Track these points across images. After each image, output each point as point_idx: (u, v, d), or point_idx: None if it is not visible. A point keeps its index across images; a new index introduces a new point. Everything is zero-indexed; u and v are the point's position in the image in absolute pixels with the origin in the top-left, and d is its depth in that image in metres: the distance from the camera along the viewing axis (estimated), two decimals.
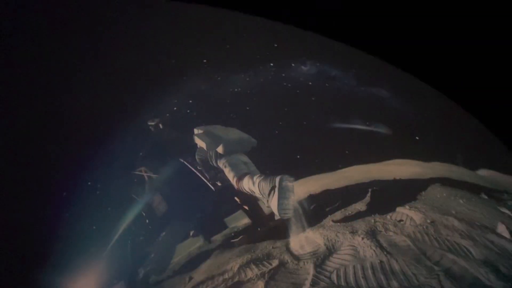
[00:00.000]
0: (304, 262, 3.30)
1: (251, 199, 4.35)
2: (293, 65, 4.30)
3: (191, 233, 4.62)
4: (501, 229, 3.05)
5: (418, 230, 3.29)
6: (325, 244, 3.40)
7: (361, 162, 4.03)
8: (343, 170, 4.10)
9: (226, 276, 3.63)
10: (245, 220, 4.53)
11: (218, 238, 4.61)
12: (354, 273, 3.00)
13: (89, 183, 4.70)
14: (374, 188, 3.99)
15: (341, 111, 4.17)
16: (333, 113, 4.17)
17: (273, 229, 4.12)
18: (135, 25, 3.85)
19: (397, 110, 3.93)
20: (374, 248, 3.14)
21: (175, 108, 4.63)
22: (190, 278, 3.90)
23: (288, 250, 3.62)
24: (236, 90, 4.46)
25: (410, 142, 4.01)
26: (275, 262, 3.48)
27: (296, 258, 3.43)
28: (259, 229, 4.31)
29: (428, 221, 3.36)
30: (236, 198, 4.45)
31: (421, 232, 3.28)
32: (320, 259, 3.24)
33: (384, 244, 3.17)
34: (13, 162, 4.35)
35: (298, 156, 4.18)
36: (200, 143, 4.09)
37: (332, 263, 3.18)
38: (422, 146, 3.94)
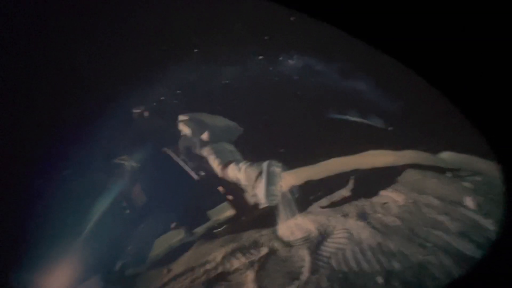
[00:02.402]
0: (296, 249, 2.48)
1: (235, 189, 3.49)
2: (280, 58, 3.69)
3: (172, 225, 3.59)
4: (468, 201, 2.66)
5: (403, 210, 2.67)
6: (317, 229, 2.60)
7: (339, 154, 3.45)
8: (324, 162, 3.47)
9: (207, 267, 2.66)
10: (229, 212, 3.62)
11: (200, 230, 3.62)
12: (354, 256, 2.25)
13: (66, 171, 3.51)
14: (356, 175, 3.42)
15: (324, 106, 3.61)
16: (316, 108, 3.59)
17: (258, 217, 3.27)
18: (127, 9, 3.03)
19: (375, 103, 3.47)
20: (369, 229, 2.44)
21: (162, 98, 3.75)
22: (169, 270, 2.84)
23: (276, 237, 2.76)
24: (224, 82, 3.71)
25: (383, 133, 3.54)
26: (264, 250, 2.58)
27: (287, 244, 2.57)
28: (243, 218, 3.43)
29: (410, 201, 2.78)
30: (219, 187, 3.56)
31: (406, 212, 2.66)
32: (314, 245, 2.43)
33: (377, 225, 2.48)
34: None
35: (282, 150, 3.45)
36: (185, 129, 3.25)
37: (328, 248, 2.39)
38: (395, 136, 3.49)
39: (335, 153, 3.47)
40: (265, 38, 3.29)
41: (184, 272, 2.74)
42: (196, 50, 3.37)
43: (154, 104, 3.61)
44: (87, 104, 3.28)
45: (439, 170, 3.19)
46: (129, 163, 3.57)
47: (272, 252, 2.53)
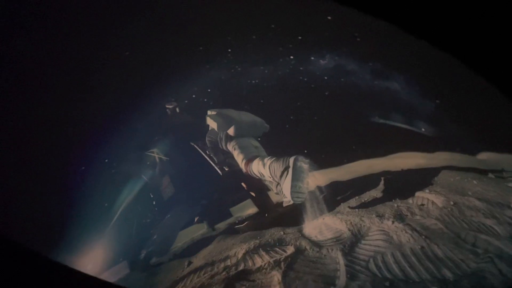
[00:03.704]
0: (327, 250, 1.98)
1: (259, 186, 3.09)
2: (312, 58, 3.31)
3: (196, 219, 3.23)
4: None
5: (444, 213, 2.15)
6: (349, 229, 2.11)
7: (367, 156, 2.97)
8: (349, 164, 3.00)
9: (228, 263, 2.23)
10: (252, 210, 3.21)
11: (222, 226, 3.23)
12: (396, 261, 1.76)
13: (106, 160, 3.33)
14: (386, 177, 2.91)
15: (352, 107, 3.17)
16: (344, 108, 3.17)
17: (282, 215, 2.82)
18: (164, 10, 2.86)
19: (407, 103, 3.00)
20: (410, 232, 1.92)
21: (193, 96, 3.50)
22: (190, 263, 2.46)
23: (303, 236, 2.29)
24: (253, 82, 3.39)
25: (415, 134, 3.03)
26: (290, 249, 2.12)
27: (316, 244, 2.10)
28: (266, 215, 3.00)
29: (451, 203, 2.25)
30: (243, 183, 3.18)
31: (447, 215, 2.14)
32: (348, 246, 1.94)
33: (418, 228, 1.97)
34: (38, 134, 3.02)
35: (306, 151, 3.02)
36: (212, 123, 2.86)
37: (364, 250, 1.89)
38: (427, 138, 2.97)
39: (362, 154, 3.00)
40: (299, 38, 2.95)
41: (204, 266, 2.32)
42: (230, 50, 3.12)
43: (186, 101, 3.38)
44: (126, 99, 3.10)
45: (479, 171, 2.64)
46: (159, 156, 3.31)
47: (299, 251, 2.06)
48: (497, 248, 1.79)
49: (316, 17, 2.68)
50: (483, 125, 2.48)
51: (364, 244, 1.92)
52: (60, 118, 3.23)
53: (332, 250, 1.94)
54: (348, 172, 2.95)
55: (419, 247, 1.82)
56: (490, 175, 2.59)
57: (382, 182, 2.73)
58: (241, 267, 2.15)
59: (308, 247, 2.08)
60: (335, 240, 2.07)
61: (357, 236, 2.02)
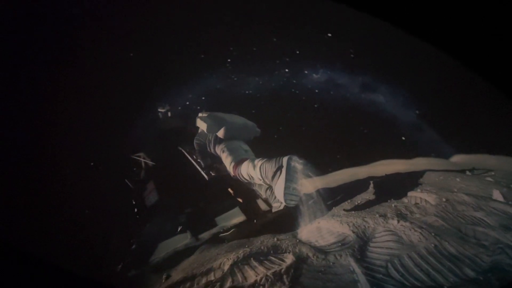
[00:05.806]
0: (335, 256, 1.40)
1: (246, 192, 2.48)
2: (306, 72, 3.05)
3: (179, 228, 2.46)
4: (496, 195, 1.91)
5: (440, 209, 1.76)
6: (353, 232, 1.57)
7: (352, 165, 2.61)
8: (335, 173, 2.61)
9: (212, 277, 1.51)
10: (239, 219, 2.53)
11: (206, 235, 2.47)
12: (416, 264, 1.25)
13: (92, 163, 2.60)
14: (376, 180, 2.50)
15: (339, 118, 2.88)
16: (331, 120, 2.86)
17: (273, 221, 2.19)
18: (174, 18, 2.52)
19: (391, 114, 2.79)
20: (419, 230, 1.45)
21: (187, 103, 3.00)
22: (168, 276, 1.69)
23: (301, 241, 1.67)
24: (247, 92, 3.02)
25: (395, 142, 2.78)
26: (289, 257, 1.48)
27: (320, 250, 1.50)
28: (255, 221, 2.30)
29: (443, 199, 1.89)
30: (230, 189, 2.54)
31: (443, 211, 1.75)
32: (357, 250, 1.39)
33: (424, 226, 1.52)
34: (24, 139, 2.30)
35: None
36: (202, 125, 2.31)
37: (377, 254, 1.35)
38: (406, 145, 2.73)
39: (347, 163, 2.65)
40: (297, 52, 2.74)
41: (182, 281, 1.56)
42: (229, 60, 2.80)
43: (179, 108, 2.87)
44: (120, 101, 2.53)
45: (456, 170, 2.41)
46: (145, 160, 2.63)
47: (301, 260, 1.45)
48: (494, 238, 1.43)
49: (317, 33, 2.51)
50: (456, 131, 2.35)
51: (375, 247, 1.40)
52: (50, 119, 2.54)
53: (340, 256, 1.38)
54: (334, 180, 2.54)
55: (433, 245, 1.36)
56: (468, 172, 2.39)
57: (371, 185, 2.34)
58: (228, 283, 1.45)
59: (310, 254, 1.48)
60: (340, 244, 1.52)
61: (363, 239, 1.50)
